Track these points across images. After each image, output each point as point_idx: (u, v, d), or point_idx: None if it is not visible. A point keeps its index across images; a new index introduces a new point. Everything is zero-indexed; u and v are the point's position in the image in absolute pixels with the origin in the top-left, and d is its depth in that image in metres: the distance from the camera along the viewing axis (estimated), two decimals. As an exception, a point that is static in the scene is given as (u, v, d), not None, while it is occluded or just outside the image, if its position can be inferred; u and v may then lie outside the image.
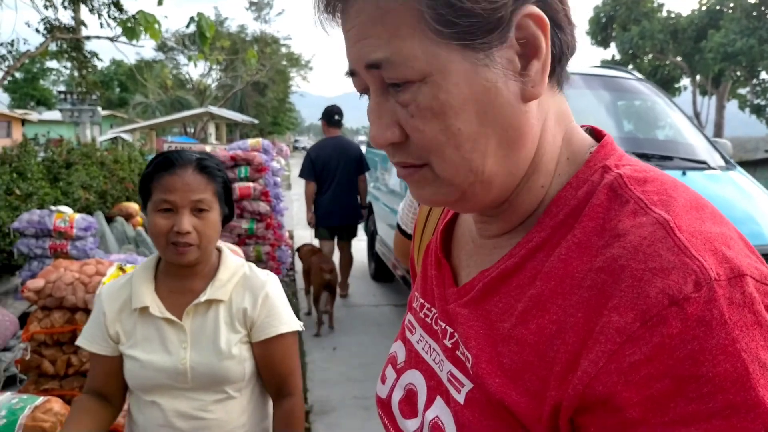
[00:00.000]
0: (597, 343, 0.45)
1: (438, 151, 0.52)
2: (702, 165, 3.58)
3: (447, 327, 0.62)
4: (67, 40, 7.73)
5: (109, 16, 6.88)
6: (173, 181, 1.27)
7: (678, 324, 0.42)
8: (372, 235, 6.18)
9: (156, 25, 5.49)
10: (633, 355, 0.43)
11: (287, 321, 1.37)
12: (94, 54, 8.54)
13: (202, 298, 1.32)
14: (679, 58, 28.10)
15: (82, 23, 8.12)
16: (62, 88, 33.29)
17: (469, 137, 0.51)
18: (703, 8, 26.74)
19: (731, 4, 25.24)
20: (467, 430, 0.54)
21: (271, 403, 1.43)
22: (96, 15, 6.99)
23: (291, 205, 11.03)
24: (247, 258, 4.32)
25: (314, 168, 5.22)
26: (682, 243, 0.45)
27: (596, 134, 0.61)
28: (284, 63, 37.91)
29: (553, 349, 0.48)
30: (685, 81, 30.31)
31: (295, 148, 46.73)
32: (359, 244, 6.38)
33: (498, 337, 0.54)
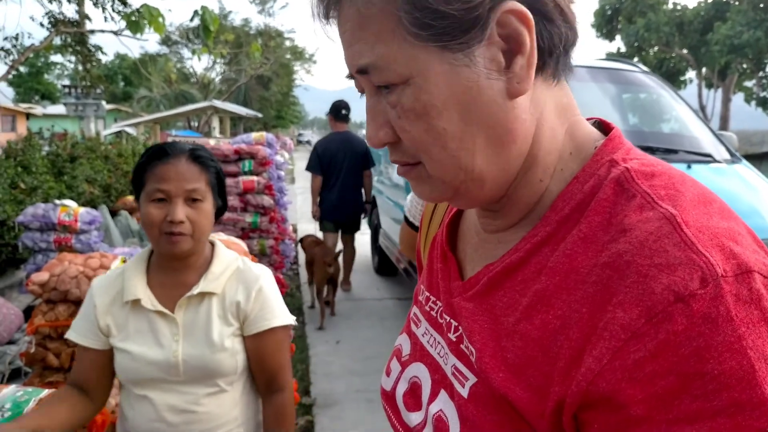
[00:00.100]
0: (601, 340, 0.44)
1: (426, 151, 0.53)
2: (707, 158, 3.56)
3: (451, 320, 0.61)
4: (72, 34, 7.73)
5: (113, 10, 6.88)
6: (167, 170, 1.26)
7: (683, 321, 0.41)
8: (375, 229, 6.19)
9: (160, 19, 5.47)
10: (637, 352, 0.42)
11: (280, 315, 1.37)
12: (99, 48, 8.55)
13: (195, 290, 1.31)
14: (685, 51, 27.92)
15: (87, 17, 8.11)
16: (66, 82, 33.34)
17: (454, 136, 0.52)
18: (710, 0, 26.55)
19: (738, -4, 25.06)
20: (470, 424, 0.54)
21: None
22: (100, 9, 6.99)
23: (295, 198, 11.04)
24: (251, 251, 4.32)
25: (321, 162, 5.26)
26: (688, 238, 0.44)
27: (605, 127, 0.60)
28: (288, 56, 37.84)
29: (556, 345, 0.48)
30: (691, 74, 30.13)
31: (299, 142, 46.78)
32: (362, 238, 6.39)
33: (502, 331, 0.53)
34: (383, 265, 6.08)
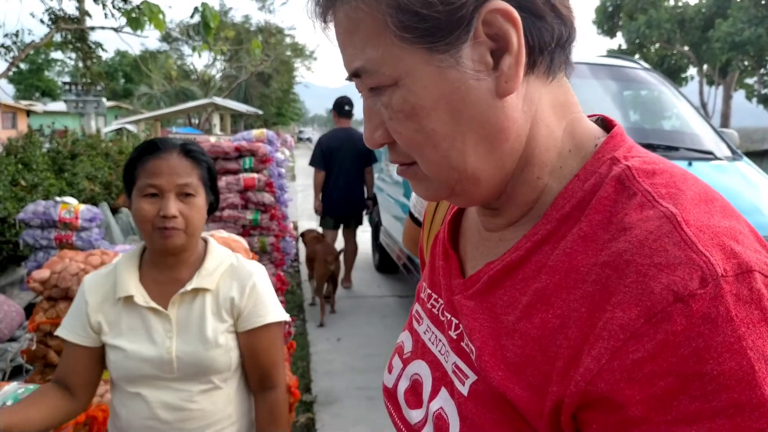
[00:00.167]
0: (600, 339, 0.44)
1: (418, 151, 0.54)
2: (708, 155, 3.55)
3: (452, 318, 0.62)
4: (72, 31, 7.71)
5: (114, 7, 6.86)
6: (159, 164, 1.25)
7: (683, 321, 0.41)
8: (376, 226, 6.19)
9: (160, 16, 5.46)
10: (636, 352, 0.42)
11: (274, 312, 1.36)
12: (99, 45, 8.52)
13: (189, 286, 1.30)
14: (686, 48, 27.87)
15: (87, 14, 8.09)
16: (67, 79, 33.32)
17: (444, 136, 0.52)
18: (711, -3, 26.51)
19: (739, -7, 25.00)
20: (470, 423, 0.54)
21: None
22: (100, 5, 6.97)
23: (295, 196, 11.04)
24: (252, 249, 4.32)
25: (324, 157, 5.28)
26: (688, 238, 0.44)
27: (608, 124, 0.60)
28: (288, 53, 37.76)
29: (555, 344, 0.48)
30: (692, 71, 30.10)
31: (300, 139, 46.76)
32: (363, 235, 6.39)
33: (502, 330, 0.53)
34: (384, 262, 6.08)
